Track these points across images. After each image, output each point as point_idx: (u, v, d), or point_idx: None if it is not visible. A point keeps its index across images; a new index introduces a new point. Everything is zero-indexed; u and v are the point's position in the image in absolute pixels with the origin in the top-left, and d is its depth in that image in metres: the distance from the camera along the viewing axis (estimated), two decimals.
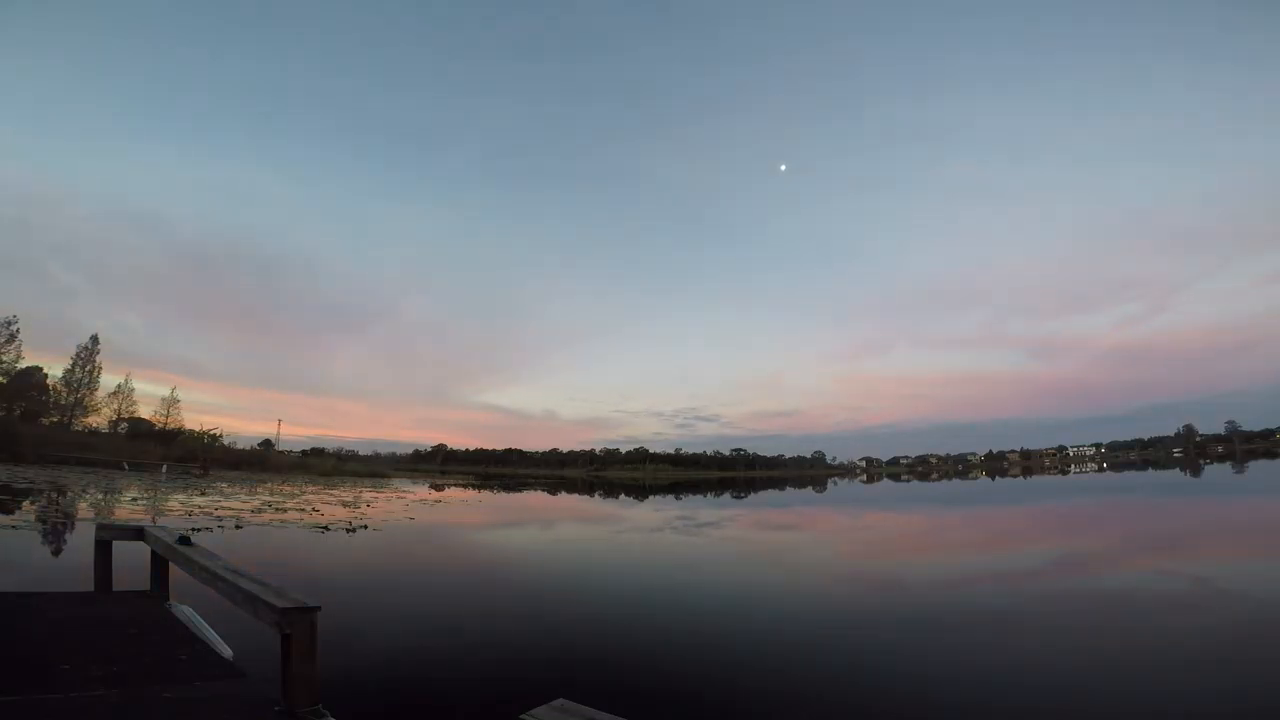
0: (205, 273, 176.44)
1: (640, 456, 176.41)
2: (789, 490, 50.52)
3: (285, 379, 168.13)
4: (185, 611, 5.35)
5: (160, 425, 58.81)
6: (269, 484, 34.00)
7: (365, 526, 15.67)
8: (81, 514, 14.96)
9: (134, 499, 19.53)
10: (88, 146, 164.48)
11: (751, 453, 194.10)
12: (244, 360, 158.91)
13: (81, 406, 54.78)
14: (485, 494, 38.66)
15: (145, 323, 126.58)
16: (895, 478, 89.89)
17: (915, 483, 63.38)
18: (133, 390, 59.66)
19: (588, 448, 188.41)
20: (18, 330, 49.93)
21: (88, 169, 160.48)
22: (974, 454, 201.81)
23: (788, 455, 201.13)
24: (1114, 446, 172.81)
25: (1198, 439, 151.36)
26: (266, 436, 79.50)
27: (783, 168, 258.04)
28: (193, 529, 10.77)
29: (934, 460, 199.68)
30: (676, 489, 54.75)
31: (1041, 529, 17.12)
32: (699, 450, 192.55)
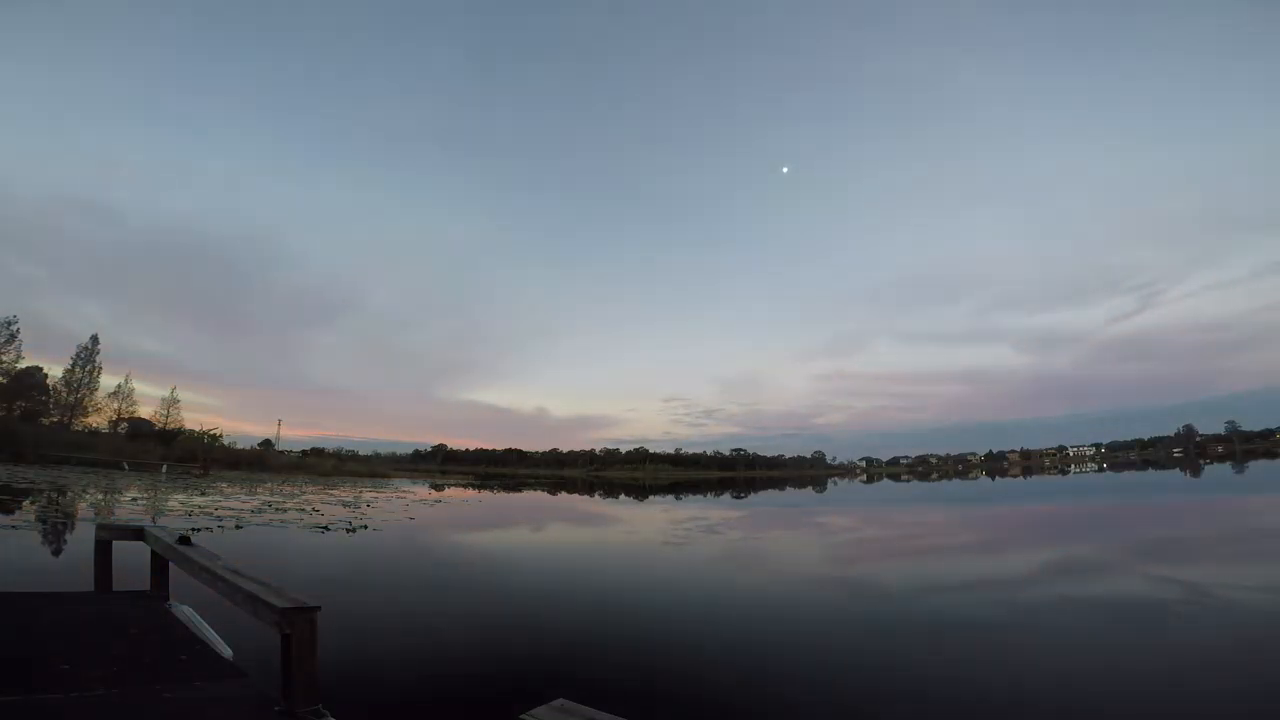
0: (167, 263, 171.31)
1: (640, 456, 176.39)
2: (789, 490, 50.49)
3: (261, 374, 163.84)
4: (185, 611, 5.34)
5: (160, 425, 58.89)
6: (269, 484, 34.00)
7: (365, 526, 15.67)
8: (81, 514, 14.95)
9: (134, 499, 19.53)
10: (36, 136, 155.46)
11: (751, 453, 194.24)
12: (214, 354, 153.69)
13: (81, 406, 54.81)
14: (485, 494, 38.65)
15: (107, 315, 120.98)
16: (895, 478, 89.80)
17: (915, 483, 63.36)
18: (133, 390, 59.80)
19: (587, 447, 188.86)
20: (18, 330, 50.04)
21: (36, 157, 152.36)
22: (974, 454, 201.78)
23: (788, 455, 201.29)
24: (1114, 446, 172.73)
25: (1198, 439, 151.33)
26: (266, 437, 79.76)
27: (785, 170, 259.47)
28: (193, 529, 10.76)
29: (934, 460, 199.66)
30: (676, 489, 54.75)
31: (1047, 531, 17.12)
32: (699, 450, 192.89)
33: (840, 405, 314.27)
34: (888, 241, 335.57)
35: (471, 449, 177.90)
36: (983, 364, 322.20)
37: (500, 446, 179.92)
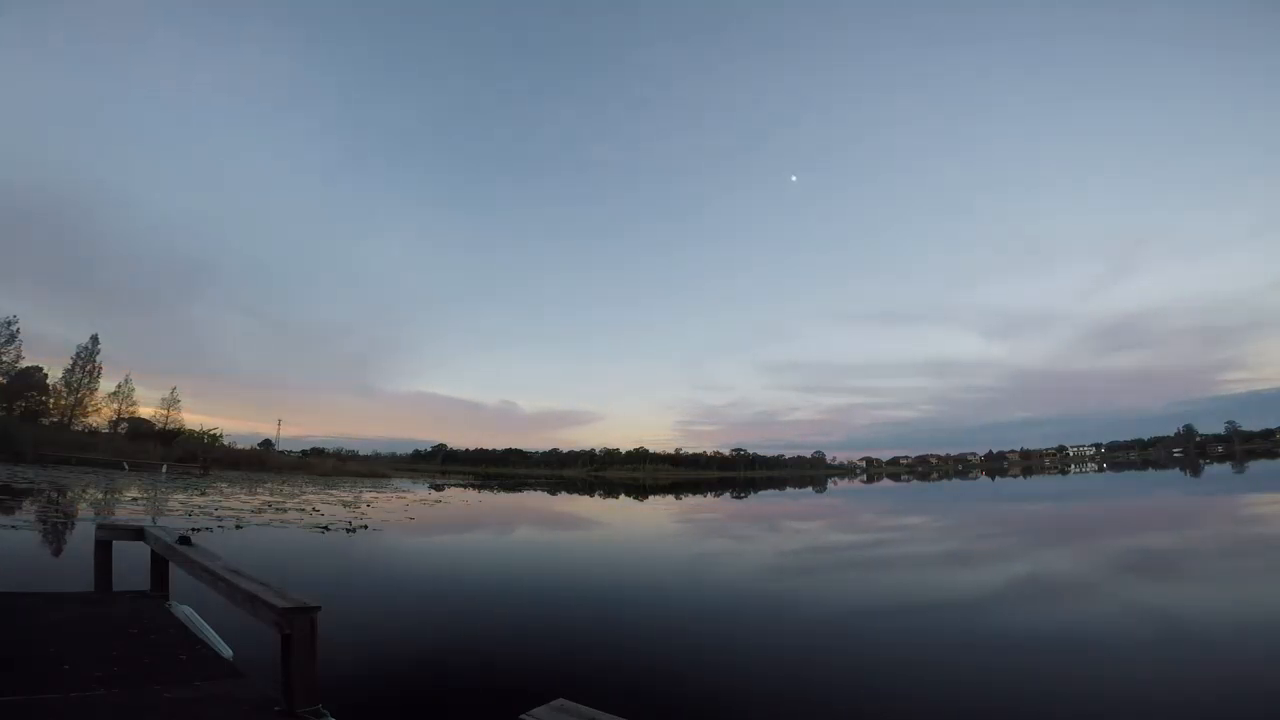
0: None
1: (640, 456, 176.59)
2: (789, 490, 50.48)
3: (171, 358, 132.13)
4: (185, 611, 5.35)
5: (160, 425, 58.87)
6: (269, 484, 34.00)
7: (365, 526, 15.67)
8: (81, 514, 14.95)
9: (134, 499, 19.53)
10: None
11: (751, 453, 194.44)
12: (92, 329, 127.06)
13: (81, 406, 54.77)
14: (485, 494, 38.63)
15: None
16: (895, 477, 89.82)
17: (915, 483, 63.34)
18: (133, 390, 59.78)
19: (554, 446, 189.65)
20: (18, 330, 50.04)
21: None
22: (974, 454, 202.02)
23: (788, 455, 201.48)
24: (1113, 446, 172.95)
25: (1198, 439, 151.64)
26: (266, 436, 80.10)
27: (793, 179, 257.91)
28: (193, 529, 10.76)
29: (934, 460, 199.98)
30: (677, 489, 54.75)
31: (1053, 532, 17.12)
32: (699, 450, 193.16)
33: (844, 405, 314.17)
34: (837, 219, 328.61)
35: (471, 449, 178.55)
36: (946, 353, 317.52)
37: (473, 444, 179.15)
